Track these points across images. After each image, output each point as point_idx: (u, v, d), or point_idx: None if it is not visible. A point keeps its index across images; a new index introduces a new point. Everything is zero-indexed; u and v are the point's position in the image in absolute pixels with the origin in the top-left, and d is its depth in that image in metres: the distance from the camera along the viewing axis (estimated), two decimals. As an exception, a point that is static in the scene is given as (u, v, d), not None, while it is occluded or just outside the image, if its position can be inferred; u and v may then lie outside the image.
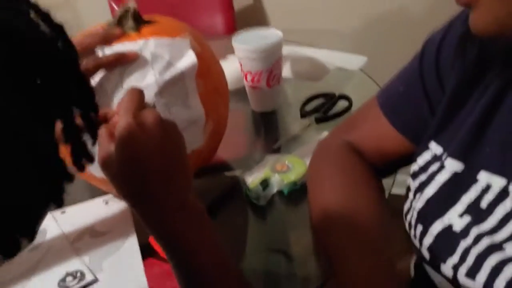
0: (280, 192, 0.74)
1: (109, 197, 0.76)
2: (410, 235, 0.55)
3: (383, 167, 0.66)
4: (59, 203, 0.35)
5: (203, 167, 0.78)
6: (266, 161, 0.77)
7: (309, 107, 0.95)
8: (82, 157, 0.39)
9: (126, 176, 0.49)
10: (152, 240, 0.64)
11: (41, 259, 0.67)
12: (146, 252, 0.65)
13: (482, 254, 0.45)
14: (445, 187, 0.51)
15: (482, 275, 0.44)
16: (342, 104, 0.94)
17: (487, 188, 0.47)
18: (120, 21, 0.67)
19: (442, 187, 0.51)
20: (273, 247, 0.69)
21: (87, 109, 0.39)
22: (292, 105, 0.99)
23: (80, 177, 0.71)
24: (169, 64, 0.64)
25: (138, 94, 0.53)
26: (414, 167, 0.57)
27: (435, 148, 0.54)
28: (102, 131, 0.51)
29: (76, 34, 0.70)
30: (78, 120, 0.40)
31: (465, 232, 0.47)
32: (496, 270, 0.43)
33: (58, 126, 0.37)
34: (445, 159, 0.52)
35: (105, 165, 0.49)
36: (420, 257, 0.54)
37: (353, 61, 1.09)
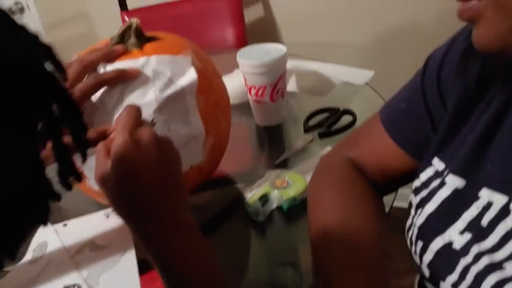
0: (279, 208, 0.74)
1: (110, 210, 0.76)
2: (411, 251, 0.55)
3: (385, 184, 0.66)
4: (44, 222, 0.35)
5: (205, 181, 0.78)
6: (267, 177, 0.77)
7: (312, 121, 0.95)
8: (69, 176, 0.39)
9: (120, 193, 0.49)
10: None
11: (41, 272, 0.67)
12: (148, 266, 0.65)
13: (482, 273, 0.44)
14: (446, 204, 0.51)
15: None
16: (346, 119, 0.94)
17: (488, 206, 0.47)
18: (122, 37, 0.68)
19: (443, 203, 0.51)
20: (271, 262, 0.69)
21: (75, 128, 0.40)
22: (297, 119, 0.99)
23: (82, 190, 0.72)
24: (170, 81, 0.65)
25: (135, 111, 0.54)
26: (416, 182, 0.56)
27: (437, 164, 0.54)
28: (100, 148, 0.52)
29: (90, 45, 0.71)
30: (68, 139, 0.40)
31: (465, 250, 0.47)
32: None
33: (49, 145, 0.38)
34: (446, 175, 0.52)
35: (102, 181, 0.50)
36: (421, 274, 0.54)
37: (360, 76, 1.09)
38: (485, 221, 0.46)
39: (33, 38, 0.35)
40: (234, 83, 1.02)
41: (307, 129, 0.92)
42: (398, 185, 0.68)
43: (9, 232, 0.31)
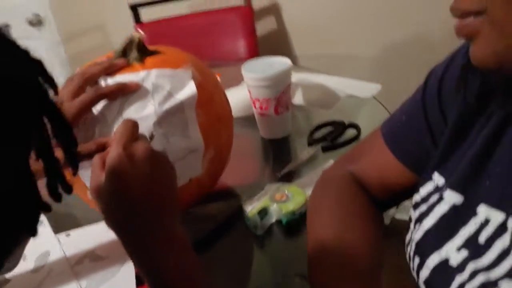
0: (279, 222, 0.74)
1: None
2: (409, 267, 0.54)
3: (386, 198, 0.66)
4: (33, 234, 0.36)
5: (209, 193, 0.79)
6: (267, 190, 0.77)
7: (317, 135, 0.95)
8: (57, 188, 0.40)
9: (113, 206, 0.50)
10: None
11: (42, 281, 0.68)
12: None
13: None
14: (444, 219, 0.50)
15: None
16: (351, 132, 0.94)
17: (486, 222, 0.46)
18: (125, 51, 0.69)
19: (441, 219, 0.51)
20: (270, 275, 0.69)
21: (65, 141, 0.40)
22: (302, 132, 0.99)
23: (83, 200, 0.74)
24: (169, 95, 0.66)
25: (131, 125, 0.55)
26: (416, 197, 0.56)
27: (437, 178, 0.54)
28: (96, 160, 0.53)
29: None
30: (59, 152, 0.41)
31: (461, 267, 0.46)
32: None
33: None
34: (444, 190, 0.51)
35: (96, 194, 0.51)
36: None
37: (367, 89, 1.08)
38: (482, 238, 0.46)
39: (24, 54, 0.36)
40: (241, 96, 1.02)
41: (311, 142, 0.92)
42: (399, 200, 0.68)
43: None
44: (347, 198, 0.64)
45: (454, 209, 0.50)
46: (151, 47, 0.73)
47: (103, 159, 0.52)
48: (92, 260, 0.71)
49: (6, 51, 0.36)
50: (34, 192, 0.35)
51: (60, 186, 0.40)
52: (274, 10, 1.82)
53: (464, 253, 0.47)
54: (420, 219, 0.53)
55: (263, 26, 1.85)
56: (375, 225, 0.62)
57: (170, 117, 0.65)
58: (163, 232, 0.50)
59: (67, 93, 0.63)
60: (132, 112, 0.64)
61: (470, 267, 0.45)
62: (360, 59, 1.71)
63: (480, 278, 0.44)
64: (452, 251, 0.48)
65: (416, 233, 0.53)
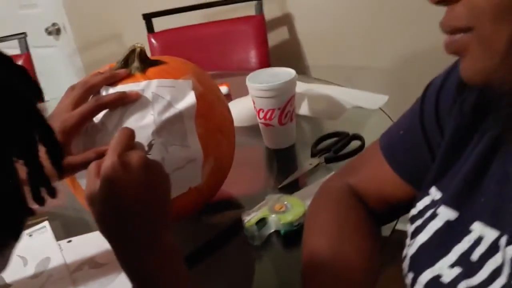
0: (277, 232, 0.73)
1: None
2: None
3: (384, 212, 0.65)
4: (16, 238, 0.36)
5: (211, 203, 0.79)
6: (267, 201, 0.77)
7: (321, 146, 0.94)
8: (40, 192, 0.40)
9: (106, 213, 0.51)
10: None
11: (41, 287, 0.69)
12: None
13: None
14: (437, 235, 0.50)
15: None
16: (355, 144, 0.93)
17: (479, 240, 0.45)
18: (126, 61, 0.70)
19: (434, 234, 0.50)
20: (266, 286, 0.69)
21: (50, 147, 0.41)
22: (308, 142, 0.99)
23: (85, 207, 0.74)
24: (169, 105, 0.66)
25: (128, 134, 0.56)
26: (413, 211, 0.55)
27: (434, 193, 0.53)
28: (92, 167, 0.54)
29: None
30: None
31: (453, 284, 0.46)
32: None
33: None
34: (438, 206, 0.51)
35: (90, 201, 0.52)
36: None
37: (374, 100, 1.08)
38: (475, 256, 0.45)
39: (7, 60, 0.36)
40: (247, 106, 1.03)
41: (314, 153, 0.92)
42: (398, 213, 0.67)
43: None
44: (344, 210, 0.63)
45: (448, 225, 0.49)
46: (153, 57, 0.74)
47: (99, 167, 0.53)
48: (91, 267, 0.72)
49: None
50: (20, 196, 0.35)
51: (45, 190, 0.41)
52: (286, 20, 1.83)
53: (457, 270, 0.46)
54: (415, 234, 0.52)
55: (275, 36, 1.86)
56: (371, 238, 0.62)
57: (169, 127, 0.66)
58: (150, 240, 0.50)
59: (69, 103, 0.64)
60: (132, 121, 0.65)
61: (462, 285, 0.45)
62: (372, 70, 1.71)
63: None
64: (445, 267, 0.47)
65: (411, 248, 0.52)
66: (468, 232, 0.47)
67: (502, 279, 0.41)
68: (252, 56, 1.74)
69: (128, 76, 0.69)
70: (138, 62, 0.70)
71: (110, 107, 0.65)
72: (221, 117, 0.75)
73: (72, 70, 2.34)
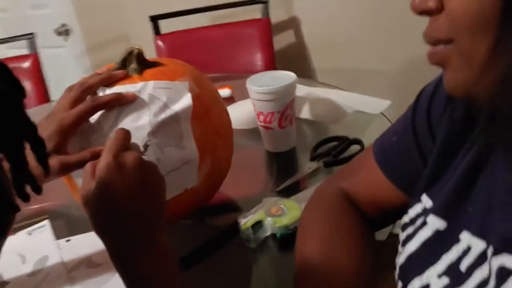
0: (274, 235, 0.74)
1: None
2: None
3: (377, 217, 0.65)
4: (3, 235, 0.37)
5: (209, 205, 0.79)
6: (264, 204, 0.77)
7: (321, 150, 0.94)
8: (24, 188, 0.40)
9: (100, 214, 0.51)
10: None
11: (38, 285, 0.70)
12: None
13: None
14: (426, 244, 0.49)
15: None
16: (355, 148, 0.93)
17: (467, 250, 0.45)
18: (124, 63, 0.71)
19: (423, 244, 0.50)
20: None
21: (33, 143, 0.41)
22: (308, 146, 0.99)
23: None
24: (165, 106, 0.67)
25: (123, 134, 0.56)
26: (405, 218, 0.55)
27: (425, 201, 0.53)
28: (87, 167, 0.54)
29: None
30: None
31: None
32: None
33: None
34: (428, 215, 0.50)
35: (85, 201, 0.52)
36: None
37: (375, 105, 1.08)
38: (463, 266, 0.45)
39: None
40: (248, 108, 1.03)
41: (313, 157, 0.92)
42: (391, 219, 0.67)
43: None
44: (336, 214, 0.63)
45: (437, 234, 0.49)
46: (152, 59, 0.74)
47: (94, 167, 0.53)
48: (88, 267, 0.72)
49: None
50: (5, 192, 0.36)
51: (30, 186, 0.41)
52: (292, 24, 1.83)
53: (445, 280, 0.46)
54: (405, 242, 0.52)
55: (281, 39, 1.86)
56: (363, 241, 0.61)
57: (165, 128, 0.66)
58: (144, 240, 0.51)
59: (66, 102, 0.65)
60: (128, 122, 0.65)
61: None
62: (377, 74, 1.70)
63: None
64: (433, 277, 0.47)
65: (400, 257, 0.52)
66: (457, 241, 0.46)
67: None
68: (258, 59, 1.75)
69: (125, 77, 0.70)
70: (136, 63, 0.71)
71: (106, 108, 0.66)
72: (219, 119, 0.75)
73: (80, 70, 2.36)
